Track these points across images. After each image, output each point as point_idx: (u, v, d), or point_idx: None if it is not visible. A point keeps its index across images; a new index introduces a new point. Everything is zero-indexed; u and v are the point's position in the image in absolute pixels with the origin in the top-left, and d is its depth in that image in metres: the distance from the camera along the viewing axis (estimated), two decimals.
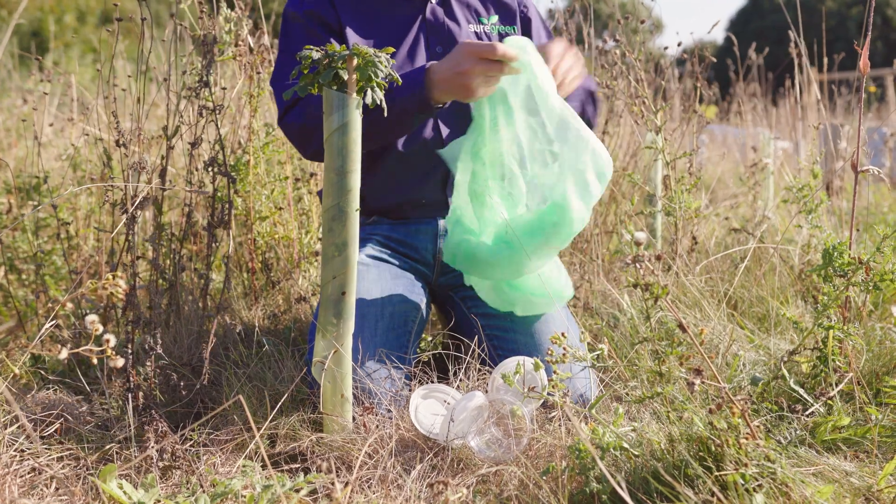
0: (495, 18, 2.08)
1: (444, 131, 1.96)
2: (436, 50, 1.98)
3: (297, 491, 1.34)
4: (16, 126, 4.00)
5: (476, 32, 2.04)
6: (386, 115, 1.54)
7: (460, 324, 1.99)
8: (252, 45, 2.51)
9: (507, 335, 1.87)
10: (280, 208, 2.50)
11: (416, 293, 1.92)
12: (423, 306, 1.92)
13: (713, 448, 1.27)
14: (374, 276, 1.89)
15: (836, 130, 4.09)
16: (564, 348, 1.48)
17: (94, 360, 1.17)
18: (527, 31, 2.12)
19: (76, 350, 1.20)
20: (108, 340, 1.21)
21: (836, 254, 1.70)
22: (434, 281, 2.04)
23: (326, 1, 1.96)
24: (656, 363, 1.50)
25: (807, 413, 1.63)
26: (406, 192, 1.99)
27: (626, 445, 1.37)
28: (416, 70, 1.78)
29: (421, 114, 1.78)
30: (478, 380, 1.73)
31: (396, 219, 2.02)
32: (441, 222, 2.01)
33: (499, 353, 1.85)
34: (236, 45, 2.37)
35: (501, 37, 2.04)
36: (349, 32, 1.94)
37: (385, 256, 1.97)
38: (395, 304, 1.85)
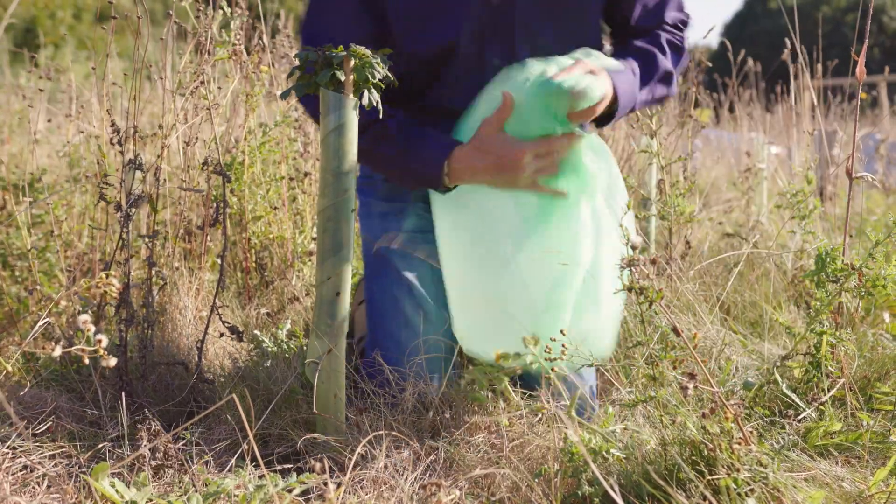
0: None
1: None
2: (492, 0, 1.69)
3: (290, 491, 1.34)
4: (9, 122, 3.98)
5: None
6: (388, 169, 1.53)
7: None
8: (248, 44, 2.51)
9: None
10: (275, 208, 2.50)
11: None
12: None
13: (706, 452, 1.27)
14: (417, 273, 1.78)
15: (830, 136, 4.11)
16: (563, 344, 1.48)
17: (86, 360, 1.17)
18: None
19: (69, 349, 1.20)
20: (100, 340, 1.20)
21: (828, 259, 1.71)
22: None
23: None
24: (650, 367, 1.50)
25: (799, 418, 1.63)
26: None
27: (618, 448, 1.37)
28: (435, 152, 1.62)
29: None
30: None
31: None
32: None
33: None
34: (230, 43, 2.36)
35: None
36: None
37: (428, 228, 1.81)
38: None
